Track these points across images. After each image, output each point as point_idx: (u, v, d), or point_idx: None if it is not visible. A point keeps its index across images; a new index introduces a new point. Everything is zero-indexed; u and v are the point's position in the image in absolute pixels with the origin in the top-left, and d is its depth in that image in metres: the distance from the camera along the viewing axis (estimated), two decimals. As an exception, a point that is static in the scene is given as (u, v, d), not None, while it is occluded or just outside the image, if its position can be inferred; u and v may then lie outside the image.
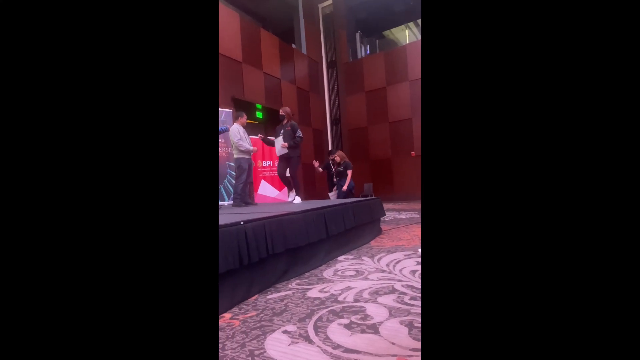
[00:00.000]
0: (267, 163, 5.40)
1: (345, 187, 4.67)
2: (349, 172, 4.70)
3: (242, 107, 5.38)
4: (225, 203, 4.65)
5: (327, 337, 1.23)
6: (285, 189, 5.62)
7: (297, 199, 3.82)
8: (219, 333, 1.34)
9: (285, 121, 3.77)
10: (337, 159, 4.88)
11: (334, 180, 5.02)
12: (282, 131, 3.74)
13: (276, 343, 1.22)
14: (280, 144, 3.70)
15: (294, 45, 7.55)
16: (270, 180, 5.39)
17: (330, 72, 8.57)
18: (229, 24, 5.59)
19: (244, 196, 3.72)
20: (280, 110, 3.87)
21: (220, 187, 4.82)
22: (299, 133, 3.74)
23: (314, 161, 5.14)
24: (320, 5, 8.58)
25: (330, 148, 8.33)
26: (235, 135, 3.55)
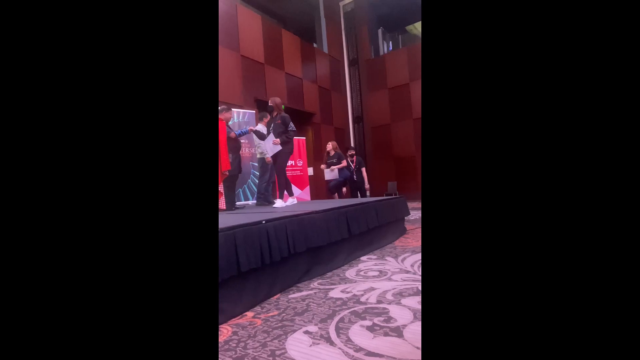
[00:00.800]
0: (289, 162, 5.43)
1: (337, 170, 4.59)
2: (344, 162, 4.59)
3: (265, 108, 5.45)
4: (249, 202, 4.73)
5: (349, 339, 1.20)
6: (307, 187, 5.64)
7: (280, 203, 3.09)
8: (241, 331, 1.36)
9: (275, 113, 3.18)
10: (329, 146, 4.67)
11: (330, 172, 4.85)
12: (272, 125, 3.16)
13: (297, 343, 1.21)
14: (271, 142, 3.08)
15: (315, 45, 7.55)
16: (292, 180, 5.42)
17: (352, 69, 8.49)
18: (251, 26, 5.67)
19: (267, 195, 3.76)
20: (269, 101, 3.25)
21: (244, 186, 4.91)
22: (292, 126, 3.13)
23: (322, 165, 4.88)
24: (342, 3, 8.52)
25: (352, 146, 8.27)
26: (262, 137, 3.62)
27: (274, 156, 3.12)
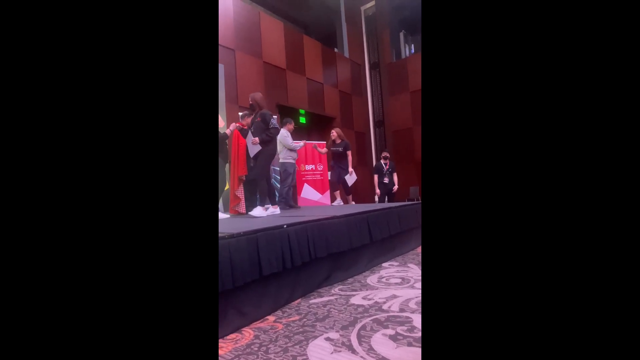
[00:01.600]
0: (309, 167, 5.46)
1: (350, 168, 4.15)
2: (349, 154, 4.15)
3: (286, 113, 5.52)
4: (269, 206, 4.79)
5: (371, 348, 1.18)
6: (328, 191, 5.63)
7: (259, 211, 2.70)
8: (263, 335, 1.36)
9: (256, 110, 2.91)
10: (334, 134, 4.22)
11: (331, 163, 4.38)
12: (252, 124, 2.90)
13: (318, 350, 1.20)
14: (251, 142, 2.78)
15: (336, 49, 7.58)
16: (313, 184, 5.43)
17: (373, 73, 8.44)
18: (273, 33, 5.78)
19: (288, 199, 3.79)
20: (249, 98, 2.96)
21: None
22: (274, 123, 2.78)
23: (323, 150, 4.57)
24: (363, 8, 8.52)
25: (374, 149, 8.20)
26: (285, 139, 3.69)
27: (255, 157, 2.84)
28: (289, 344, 1.26)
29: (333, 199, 4.92)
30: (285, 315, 1.60)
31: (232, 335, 1.39)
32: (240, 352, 1.23)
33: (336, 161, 4.31)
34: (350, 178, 4.28)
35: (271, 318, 1.57)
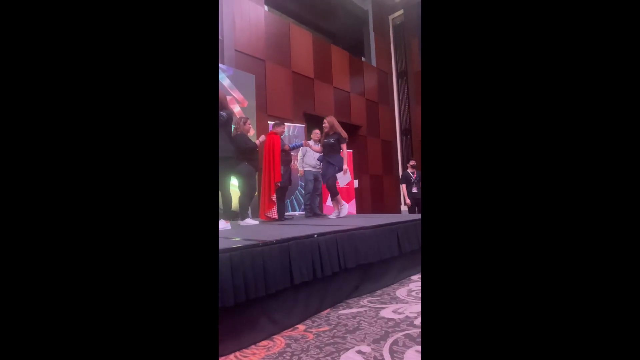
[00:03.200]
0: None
1: (345, 166, 3.23)
2: (344, 147, 3.23)
3: (313, 121, 5.59)
4: (296, 213, 4.84)
5: (405, 364, 1.16)
6: (354, 200, 5.60)
7: (224, 224, 2.48)
8: (294, 344, 1.38)
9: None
10: (325, 124, 3.28)
11: (324, 156, 3.35)
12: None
13: (351, 363, 1.19)
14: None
15: (363, 58, 7.61)
16: (339, 192, 5.43)
17: (401, 82, 8.38)
18: (302, 44, 5.91)
19: (313, 207, 3.83)
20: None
21: (292, 197, 5.04)
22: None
23: (309, 141, 3.67)
24: (391, 17, 8.52)
25: (401, 158, 8.09)
26: (301, 151, 3.79)
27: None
28: (321, 355, 1.27)
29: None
30: (315, 325, 1.60)
31: (264, 342, 1.42)
32: (273, 360, 1.25)
33: (326, 156, 3.29)
34: (344, 178, 3.43)
35: (301, 327, 1.58)
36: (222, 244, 1.50)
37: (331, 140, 3.23)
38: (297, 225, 2.67)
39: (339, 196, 3.37)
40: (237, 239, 1.83)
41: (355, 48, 7.84)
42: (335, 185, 3.35)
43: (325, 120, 3.33)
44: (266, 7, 5.42)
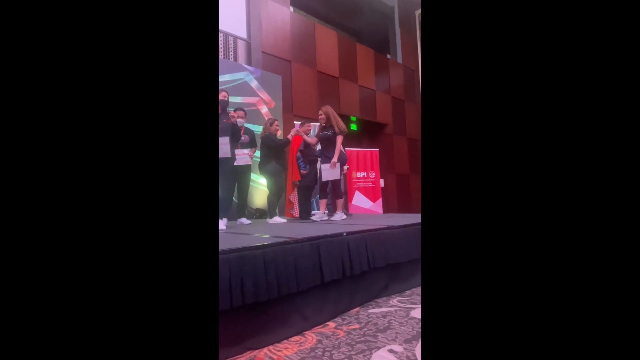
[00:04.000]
0: (361, 174, 5.45)
1: (335, 159, 2.82)
2: (339, 140, 2.85)
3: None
4: (316, 212, 4.87)
5: (439, 365, 1.15)
6: (380, 199, 5.55)
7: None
8: (325, 340, 1.40)
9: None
10: (321, 114, 2.94)
11: (321, 151, 3.02)
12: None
13: (383, 361, 1.20)
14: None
15: (389, 55, 7.51)
16: (364, 191, 5.41)
17: (427, 78, 8.21)
18: (327, 43, 5.92)
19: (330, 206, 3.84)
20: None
21: (317, 196, 5.07)
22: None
23: (298, 130, 3.27)
24: (417, 12, 8.34)
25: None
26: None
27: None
28: (352, 352, 1.28)
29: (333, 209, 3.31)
30: (345, 322, 1.62)
31: (296, 338, 1.45)
32: (305, 355, 1.28)
33: (324, 150, 2.98)
34: (330, 172, 2.81)
35: (332, 324, 1.60)
36: (253, 242, 1.55)
37: (329, 132, 2.90)
38: (327, 224, 2.69)
39: (342, 200, 3.12)
40: (266, 235, 1.88)
41: (381, 45, 7.74)
42: (340, 186, 3.10)
43: (320, 111, 2.98)
44: (291, 8, 5.48)
